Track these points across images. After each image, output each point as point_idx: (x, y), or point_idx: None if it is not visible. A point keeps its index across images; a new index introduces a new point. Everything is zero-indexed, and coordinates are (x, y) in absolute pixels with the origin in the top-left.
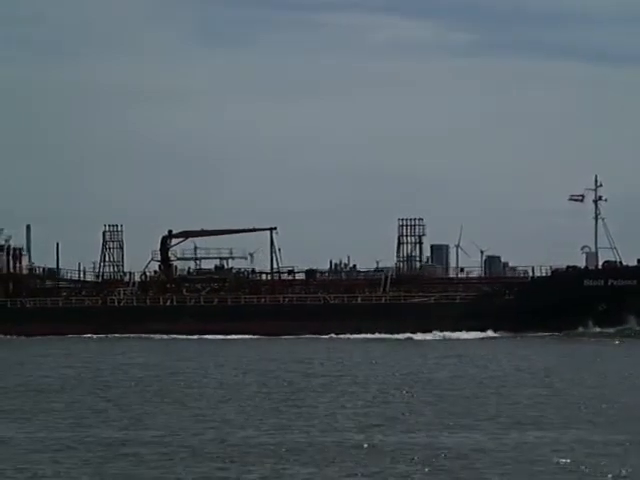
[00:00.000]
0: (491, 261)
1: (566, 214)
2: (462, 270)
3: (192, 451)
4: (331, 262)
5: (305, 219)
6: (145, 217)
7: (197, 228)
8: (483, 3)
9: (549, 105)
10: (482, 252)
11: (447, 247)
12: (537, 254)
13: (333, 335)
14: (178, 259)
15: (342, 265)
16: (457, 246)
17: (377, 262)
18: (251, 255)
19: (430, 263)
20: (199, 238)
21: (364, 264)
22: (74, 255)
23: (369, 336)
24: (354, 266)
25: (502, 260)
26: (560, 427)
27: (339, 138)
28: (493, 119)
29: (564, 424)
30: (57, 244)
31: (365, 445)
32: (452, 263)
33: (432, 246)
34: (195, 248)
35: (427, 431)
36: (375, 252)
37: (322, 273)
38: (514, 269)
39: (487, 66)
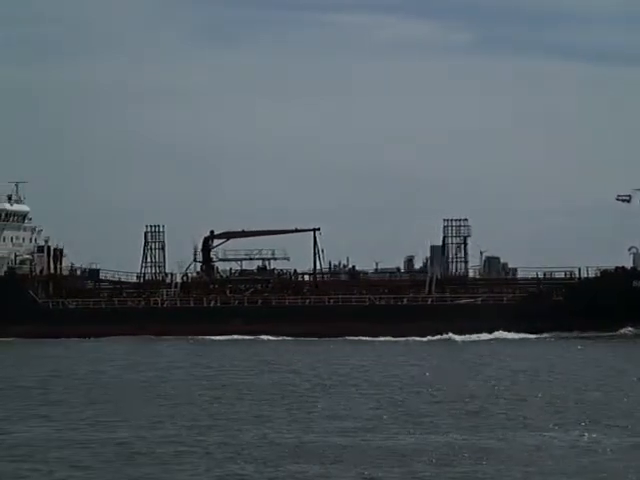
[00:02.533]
0: (490, 262)
1: (566, 214)
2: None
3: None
4: (330, 263)
5: (305, 219)
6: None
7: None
8: (483, 3)
9: (549, 105)
10: (481, 253)
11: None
12: (535, 255)
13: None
14: (220, 260)
15: (341, 266)
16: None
17: (376, 263)
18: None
19: (430, 265)
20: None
21: (363, 265)
22: (75, 254)
23: (417, 339)
24: (353, 267)
25: (501, 261)
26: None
27: (339, 138)
28: (493, 119)
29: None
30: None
31: None
32: None
33: (432, 247)
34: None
35: None
36: (374, 253)
37: (365, 274)
38: (515, 270)
39: (487, 66)
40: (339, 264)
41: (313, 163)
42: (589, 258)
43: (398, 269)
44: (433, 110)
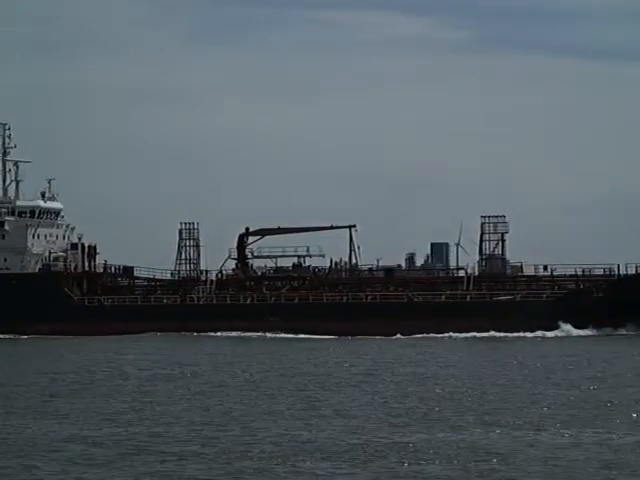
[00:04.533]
0: (490, 259)
1: (564, 213)
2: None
3: None
4: (331, 260)
5: (304, 218)
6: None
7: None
8: (483, 2)
9: (549, 105)
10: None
11: (447, 245)
12: (534, 253)
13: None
14: (254, 257)
15: (342, 263)
16: (457, 244)
17: (377, 260)
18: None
19: (430, 262)
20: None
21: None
22: None
23: (457, 335)
24: (354, 264)
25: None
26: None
27: (339, 137)
28: (493, 119)
29: None
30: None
31: None
32: (452, 261)
33: (432, 244)
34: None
35: None
36: (375, 251)
37: (401, 271)
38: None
39: (487, 65)
40: (340, 261)
41: (312, 162)
42: (589, 256)
43: (399, 266)
44: (433, 109)
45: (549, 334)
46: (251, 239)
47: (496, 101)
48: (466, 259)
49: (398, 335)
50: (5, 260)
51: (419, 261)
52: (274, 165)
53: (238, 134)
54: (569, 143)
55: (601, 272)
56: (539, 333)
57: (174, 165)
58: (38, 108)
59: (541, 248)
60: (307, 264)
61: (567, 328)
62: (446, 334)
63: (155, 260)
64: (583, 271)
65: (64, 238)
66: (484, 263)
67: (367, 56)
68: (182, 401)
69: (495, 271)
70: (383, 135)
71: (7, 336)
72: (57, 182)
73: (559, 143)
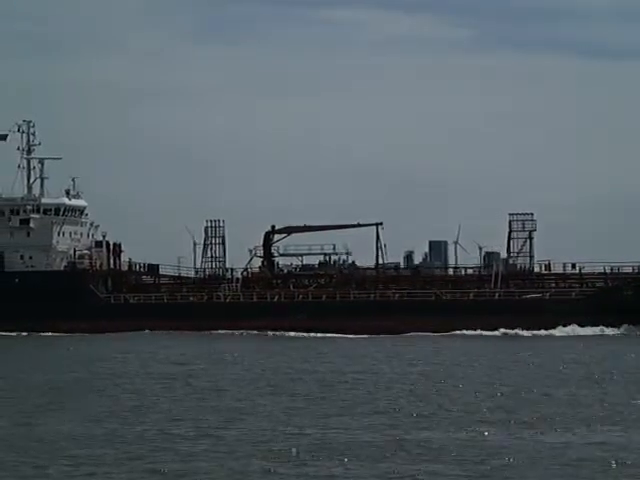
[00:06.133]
0: (490, 257)
1: (565, 212)
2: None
3: None
4: (330, 258)
5: (304, 217)
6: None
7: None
8: (483, 2)
9: (549, 104)
10: (481, 248)
11: (445, 243)
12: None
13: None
14: (280, 255)
15: (341, 262)
16: (456, 242)
17: (376, 258)
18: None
19: (429, 260)
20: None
21: (363, 261)
22: None
23: (488, 333)
24: (353, 262)
25: (501, 256)
26: None
27: (339, 137)
28: (493, 119)
29: None
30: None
31: None
32: (451, 259)
33: (430, 242)
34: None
35: None
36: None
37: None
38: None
39: (487, 65)
40: (339, 259)
41: (312, 161)
42: (589, 255)
43: (397, 264)
44: (433, 110)
45: (579, 332)
46: (277, 237)
47: (496, 101)
48: (465, 257)
49: (426, 333)
50: (30, 258)
51: (417, 259)
52: (274, 165)
53: (238, 134)
54: (569, 142)
55: (630, 270)
56: (569, 330)
57: (174, 164)
58: (38, 107)
59: (544, 247)
60: (332, 262)
61: (592, 327)
62: (475, 331)
63: (162, 259)
64: (612, 269)
65: (88, 236)
66: (484, 260)
67: (367, 56)
68: (190, 400)
69: (499, 270)
70: (383, 135)
71: (32, 334)
72: (57, 181)
73: (559, 143)
